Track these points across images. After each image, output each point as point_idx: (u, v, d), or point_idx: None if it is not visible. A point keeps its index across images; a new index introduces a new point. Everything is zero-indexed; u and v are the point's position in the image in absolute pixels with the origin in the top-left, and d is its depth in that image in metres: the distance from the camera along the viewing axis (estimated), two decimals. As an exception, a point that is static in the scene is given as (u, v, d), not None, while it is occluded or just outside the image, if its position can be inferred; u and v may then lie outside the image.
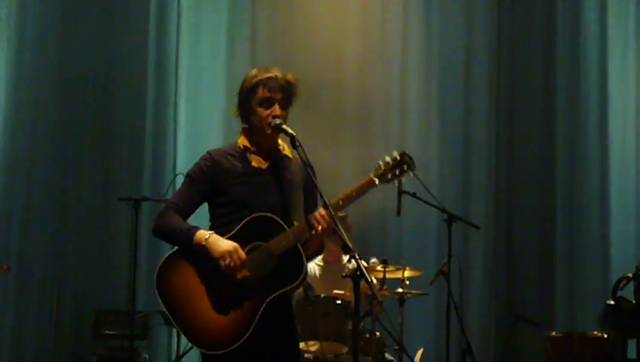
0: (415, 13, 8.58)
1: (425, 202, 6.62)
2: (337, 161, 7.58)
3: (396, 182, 3.86)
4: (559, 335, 6.54)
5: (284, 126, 3.80)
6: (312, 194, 3.94)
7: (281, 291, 3.73)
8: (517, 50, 8.64)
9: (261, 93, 3.85)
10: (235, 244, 3.72)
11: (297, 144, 3.75)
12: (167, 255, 3.84)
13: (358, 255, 3.52)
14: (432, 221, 7.96)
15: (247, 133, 3.95)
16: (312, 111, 8.06)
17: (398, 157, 3.84)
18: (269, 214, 3.77)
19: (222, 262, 3.70)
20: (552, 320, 8.08)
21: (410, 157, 3.86)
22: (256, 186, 3.85)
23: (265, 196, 3.84)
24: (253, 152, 3.92)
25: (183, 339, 6.69)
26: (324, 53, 8.36)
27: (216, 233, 3.78)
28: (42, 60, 8.07)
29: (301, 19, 8.40)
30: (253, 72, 3.91)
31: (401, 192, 6.52)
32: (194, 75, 8.22)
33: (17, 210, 7.92)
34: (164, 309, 3.78)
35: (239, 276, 3.72)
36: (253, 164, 3.90)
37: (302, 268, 3.74)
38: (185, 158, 7.94)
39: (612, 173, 8.35)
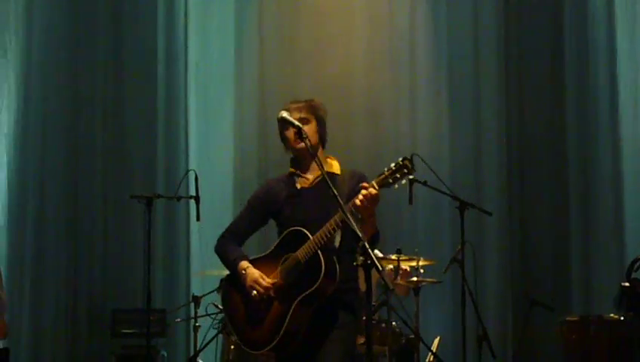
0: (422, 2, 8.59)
1: (437, 190, 6.61)
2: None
3: (402, 182, 4.06)
4: (575, 319, 6.52)
5: (289, 118, 4.15)
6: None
7: (303, 294, 4.14)
8: (525, 33, 8.57)
9: (281, 129, 4.41)
10: (258, 275, 4.29)
11: (305, 136, 4.08)
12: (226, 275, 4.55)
13: (368, 243, 3.60)
14: (444, 208, 7.95)
15: (291, 160, 4.49)
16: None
17: (400, 163, 4.02)
18: (298, 228, 4.22)
19: (251, 292, 4.30)
20: (568, 304, 8.04)
21: (411, 161, 4.03)
22: (298, 206, 4.35)
23: (305, 213, 4.30)
24: (299, 175, 4.42)
25: (200, 335, 6.81)
26: (331, 48, 8.40)
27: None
28: (52, 59, 8.15)
29: (308, 15, 8.46)
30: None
31: (412, 181, 6.52)
32: (203, 72, 8.25)
33: (31, 210, 7.97)
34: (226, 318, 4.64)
35: (273, 286, 4.28)
36: (298, 185, 4.41)
37: (320, 271, 4.09)
38: (196, 155, 7.98)
39: (625, 153, 8.24)
